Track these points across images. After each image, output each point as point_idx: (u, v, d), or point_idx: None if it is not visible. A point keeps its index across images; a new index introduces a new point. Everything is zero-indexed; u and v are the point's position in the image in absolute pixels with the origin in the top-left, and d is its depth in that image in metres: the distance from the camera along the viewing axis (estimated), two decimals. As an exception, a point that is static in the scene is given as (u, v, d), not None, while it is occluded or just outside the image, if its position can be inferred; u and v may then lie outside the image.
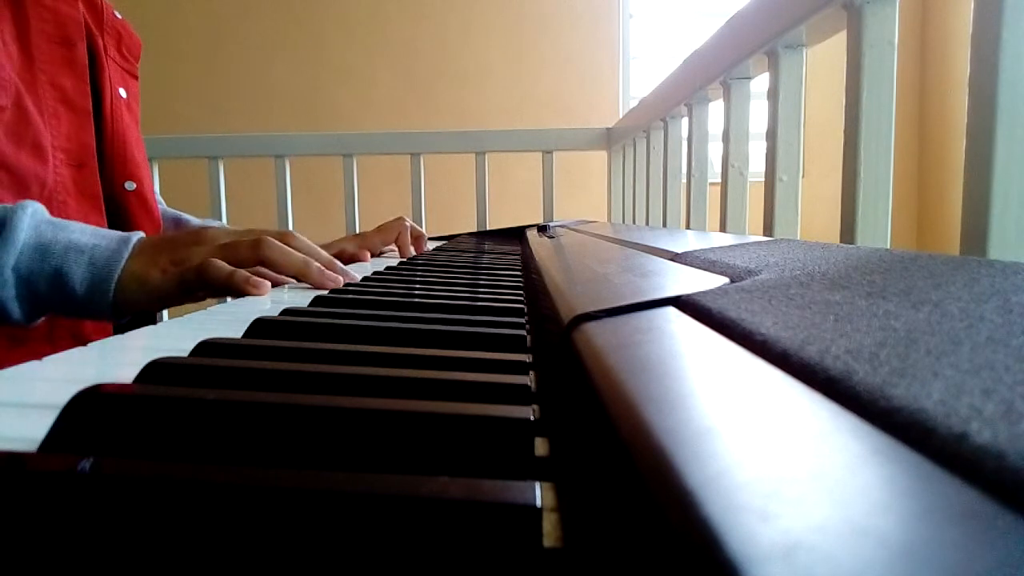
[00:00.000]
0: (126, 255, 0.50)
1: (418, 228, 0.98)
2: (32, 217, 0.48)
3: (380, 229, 0.95)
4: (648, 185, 1.28)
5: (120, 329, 0.47)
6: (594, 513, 0.13)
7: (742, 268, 0.29)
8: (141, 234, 0.53)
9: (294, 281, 0.55)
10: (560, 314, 0.24)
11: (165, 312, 1.42)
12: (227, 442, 0.17)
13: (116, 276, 0.49)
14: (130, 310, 0.51)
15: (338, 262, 0.58)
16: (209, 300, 0.67)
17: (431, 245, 1.18)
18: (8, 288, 0.47)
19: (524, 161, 2.18)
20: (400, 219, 0.96)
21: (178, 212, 0.88)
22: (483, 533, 0.13)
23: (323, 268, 0.53)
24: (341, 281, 0.54)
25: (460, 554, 0.12)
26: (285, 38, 3.09)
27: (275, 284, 0.53)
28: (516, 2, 3.10)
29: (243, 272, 0.49)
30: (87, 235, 0.50)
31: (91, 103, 0.66)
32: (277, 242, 0.53)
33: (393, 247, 0.96)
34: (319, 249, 0.58)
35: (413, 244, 0.96)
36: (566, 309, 0.24)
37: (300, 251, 0.55)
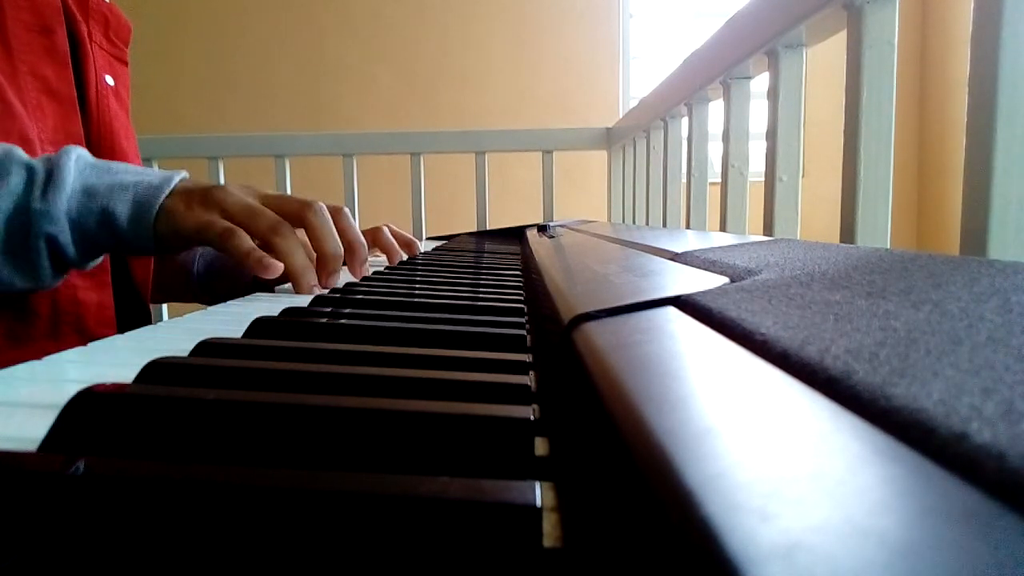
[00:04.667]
0: (167, 191, 0.52)
1: (405, 234, 0.84)
2: (76, 162, 0.50)
3: None
4: (648, 185, 1.28)
5: (124, 328, 0.47)
6: (594, 513, 0.13)
7: (742, 268, 0.29)
8: (184, 173, 0.55)
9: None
10: (560, 314, 0.24)
11: (165, 312, 1.42)
12: (227, 442, 0.17)
13: (155, 210, 0.51)
14: (168, 246, 0.52)
15: (363, 256, 0.58)
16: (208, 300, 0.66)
17: (430, 245, 1.18)
18: (65, 233, 0.49)
19: (524, 161, 2.18)
20: (378, 228, 0.80)
21: None
22: (483, 533, 0.13)
23: (335, 270, 0.54)
24: (336, 281, 0.54)
25: (460, 554, 0.12)
26: (286, 38, 3.08)
27: (283, 280, 0.53)
28: (516, 2, 3.10)
29: (259, 252, 0.50)
30: (131, 174, 0.52)
31: (76, 92, 0.63)
32: (328, 216, 0.54)
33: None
34: (356, 238, 0.58)
35: (404, 250, 0.83)
36: (566, 309, 0.24)
37: (344, 234, 0.55)
